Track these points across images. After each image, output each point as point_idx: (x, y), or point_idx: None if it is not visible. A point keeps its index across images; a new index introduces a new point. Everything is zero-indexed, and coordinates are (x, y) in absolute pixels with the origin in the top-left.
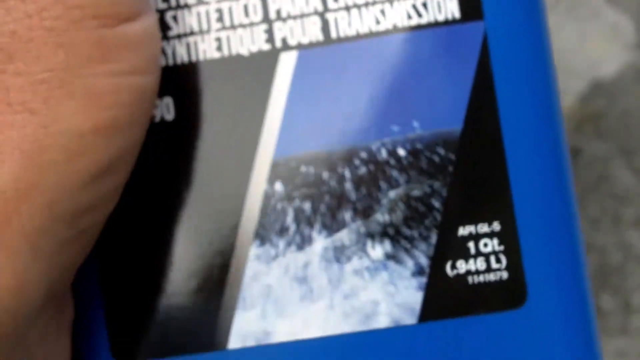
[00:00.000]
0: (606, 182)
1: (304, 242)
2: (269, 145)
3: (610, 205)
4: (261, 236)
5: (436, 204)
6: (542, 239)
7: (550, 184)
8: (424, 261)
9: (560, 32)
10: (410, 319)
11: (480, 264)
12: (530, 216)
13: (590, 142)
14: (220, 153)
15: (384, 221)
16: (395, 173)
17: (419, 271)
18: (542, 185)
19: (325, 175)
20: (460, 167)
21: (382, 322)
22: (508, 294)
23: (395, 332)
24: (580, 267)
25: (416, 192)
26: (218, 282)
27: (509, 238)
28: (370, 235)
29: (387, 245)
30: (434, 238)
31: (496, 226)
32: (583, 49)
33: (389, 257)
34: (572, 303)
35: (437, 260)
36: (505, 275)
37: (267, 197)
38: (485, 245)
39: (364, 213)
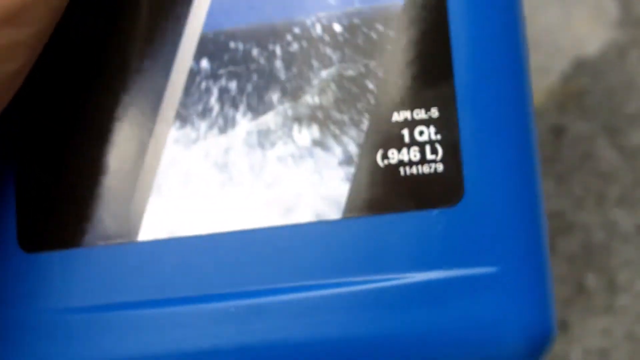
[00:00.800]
0: (590, 161)
1: (227, 125)
2: (199, 17)
3: (595, 184)
4: (182, 117)
5: (370, 85)
6: (485, 132)
7: (500, 72)
8: (353, 149)
9: (544, 11)
10: (334, 213)
11: (414, 154)
12: (473, 105)
13: (574, 121)
14: (146, 25)
15: (313, 103)
16: (329, 51)
17: (347, 160)
18: (490, 72)
19: (255, 52)
20: (399, 46)
21: (304, 215)
22: (443, 190)
23: (317, 227)
24: (529, 166)
25: (350, 72)
26: (133, 166)
27: (447, 127)
28: (298, 119)
29: (315, 130)
30: (365, 123)
31: (434, 113)
32: (567, 27)
33: (315, 143)
34: (515, 204)
35: (368, 148)
36: (440, 167)
37: (192, 74)
38: (421, 133)
39: (293, 94)
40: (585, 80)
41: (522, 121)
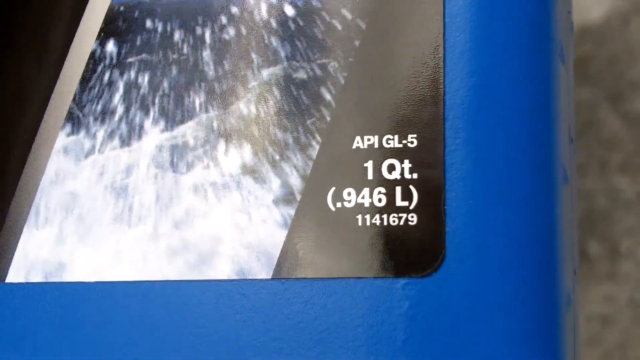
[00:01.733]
0: (593, 128)
1: (132, 134)
2: None
3: (598, 151)
4: (75, 118)
5: (327, 95)
6: (483, 173)
7: (515, 91)
8: (295, 183)
9: None
10: (262, 271)
11: (380, 197)
12: (470, 134)
13: (577, 88)
14: None
15: (247, 114)
16: (275, 42)
17: (286, 197)
18: (500, 89)
19: (177, 35)
20: (372, 43)
21: (222, 270)
22: (415, 251)
23: (238, 288)
24: (546, 227)
25: (301, 74)
26: (4, 183)
27: (428, 163)
28: (226, 135)
29: (247, 152)
30: (315, 148)
31: (412, 141)
32: None
33: (246, 170)
34: (519, 280)
35: (316, 184)
36: (414, 219)
37: (93, 60)
38: (391, 168)
39: (223, 99)
40: (588, 47)
41: (541, 164)
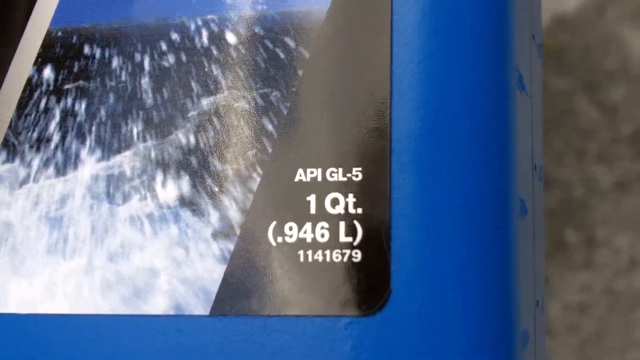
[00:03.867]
0: (570, 117)
1: (67, 163)
2: (47, 8)
3: (574, 140)
4: (10, 146)
5: (269, 125)
6: (431, 209)
7: (465, 119)
8: (235, 216)
9: None
10: (200, 307)
11: (322, 232)
12: (418, 167)
13: (553, 77)
14: None
15: (186, 144)
16: (215, 70)
17: (225, 231)
18: (450, 119)
19: (116, 62)
20: (317, 73)
21: (158, 305)
22: (359, 289)
23: (173, 325)
24: (498, 262)
25: (242, 104)
26: None
27: (373, 197)
28: (163, 165)
29: (185, 184)
30: (256, 181)
31: (356, 175)
32: None
33: (184, 202)
34: (471, 318)
35: (256, 217)
36: (358, 256)
37: (31, 85)
38: (335, 203)
39: (160, 129)
40: (564, 37)
41: (495, 199)
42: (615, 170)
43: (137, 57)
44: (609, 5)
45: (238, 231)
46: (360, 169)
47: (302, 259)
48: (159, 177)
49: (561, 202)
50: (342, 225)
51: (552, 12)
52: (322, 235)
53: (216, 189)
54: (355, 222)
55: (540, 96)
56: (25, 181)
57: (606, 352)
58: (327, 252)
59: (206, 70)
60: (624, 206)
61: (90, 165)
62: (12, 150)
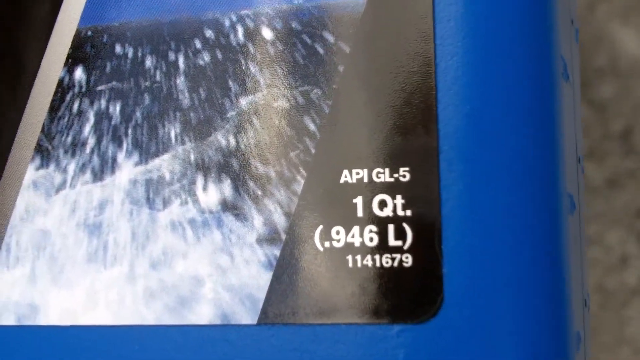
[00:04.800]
0: None
1: (104, 168)
2: (74, 5)
3: None
4: (44, 151)
5: (311, 125)
6: (482, 210)
7: (513, 114)
8: (280, 220)
9: None
10: (246, 316)
11: (371, 236)
12: (467, 167)
13: None
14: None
15: (226, 145)
16: (253, 68)
17: (270, 236)
18: (496, 115)
19: (150, 61)
20: (357, 68)
21: (203, 314)
22: (410, 295)
23: (220, 334)
24: (551, 264)
25: (282, 103)
26: None
27: (423, 198)
28: (203, 168)
29: (227, 187)
30: (300, 183)
31: (404, 175)
32: None
33: (227, 206)
34: (522, 324)
35: (302, 222)
36: (409, 260)
37: (62, 87)
38: (383, 205)
39: (199, 130)
40: None
41: (545, 196)
42: (606, 167)
43: (171, 55)
44: (599, 3)
45: (283, 236)
46: (407, 168)
47: (350, 264)
48: (200, 180)
49: None
50: (390, 228)
51: None
52: (371, 240)
53: (259, 193)
54: (405, 224)
55: (579, 84)
56: (61, 187)
57: (598, 349)
58: (377, 256)
59: (243, 68)
60: (615, 203)
61: (128, 169)
62: (46, 155)
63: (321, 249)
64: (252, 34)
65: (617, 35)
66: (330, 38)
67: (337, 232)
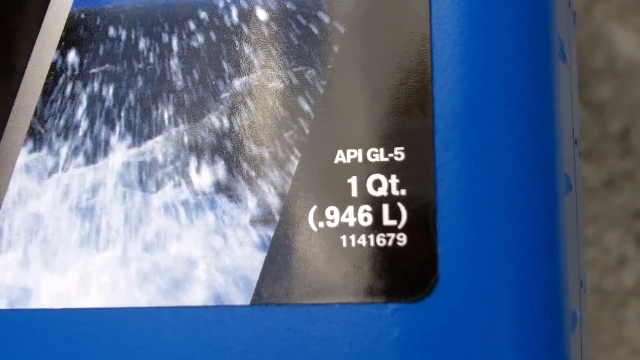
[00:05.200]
0: None
1: (97, 151)
2: None
3: None
4: (37, 134)
5: (305, 105)
6: (477, 188)
7: (510, 96)
8: (273, 201)
9: None
10: (240, 297)
11: (365, 216)
12: (462, 146)
13: None
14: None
15: (220, 127)
16: (247, 49)
17: (264, 217)
18: (493, 96)
19: (143, 43)
20: (353, 48)
21: (197, 296)
22: (405, 274)
23: (214, 315)
24: (547, 241)
25: (276, 84)
26: None
27: (417, 178)
28: (197, 150)
29: (220, 169)
30: (294, 164)
31: (399, 155)
32: None
33: (220, 188)
34: (518, 303)
35: (296, 202)
36: (403, 239)
37: (55, 71)
38: (377, 185)
39: (192, 112)
40: None
41: (541, 175)
42: (603, 168)
43: (165, 37)
44: (596, 4)
45: (277, 217)
46: (402, 148)
47: (344, 244)
48: (193, 162)
49: None
50: (385, 207)
51: None
52: (365, 219)
53: (253, 174)
54: (399, 204)
55: (576, 66)
56: (54, 170)
57: (596, 349)
58: (371, 236)
59: (237, 49)
60: (613, 204)
61: (121, 152)
62: (39, 138)
63: (315, 229)
64: (246, 15)
65: (614, 36)
66: (326, 18)
67: (332, 212)
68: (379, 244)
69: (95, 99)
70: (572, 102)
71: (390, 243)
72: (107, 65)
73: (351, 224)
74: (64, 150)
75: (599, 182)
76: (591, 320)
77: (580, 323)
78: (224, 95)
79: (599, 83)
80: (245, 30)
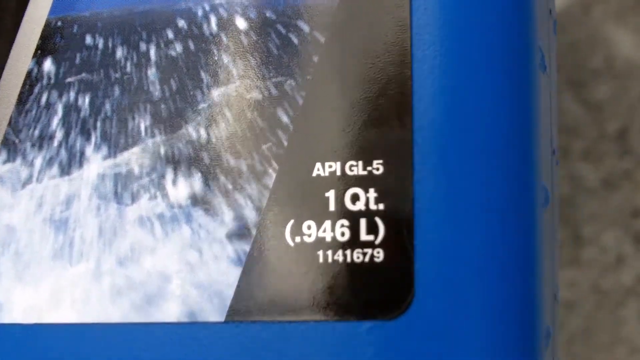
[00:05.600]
0: None
1: (72, 162)
2: None
3: (560, 138)
4: (10, 144)
5: (284, 117)
6: (456, 203)
7: (490, 108)
8: (250, 215)
9: None
10: (215, 313)
11: (342, 231)
12: (440, 160)
13: None
14: None
15: (198, 139)
16: (226, 58)
17: (239, 232)
18: (473, 107)
19: (120, 52)
20: (332, 59)
21: (170, 312)
22: (381, 291)
23: (187, 332)
24: (525, 258)
25: (255, 94)
26: None
27: (396, 192)
28: (173, 162)
29: (197, 182)
30: (272, 177)
31: (377, 168)
32: None
33: (196, 201)
34: (495, 319)
35: (273, 217)
36: (380, 255)
37: (30, 80)
38: (355, 198)
39: (169, 123)
40: None
41: (520, 190)
42: (601, 167)
43: (143, 46)
44: (595, 4)
45: (254, 231)
46: (381, 161)
47: (321, 260)
48: (169, 174)
49: None
50: (363, 222)
51: None
52: (342, 234)
53: (230, 186)
54: (377, 218)
55: (556, 76)
56: (27, 182)
57: (593, 349)
58: (348, 252)
59: (216, 59)
60: (611, 203)
61: (96, 163)
62: (12, 149)
63: (292, 244)
64: (225, 24)
65: (613, 36)
66: (305, 28)
67: (309, 227)
68: (355, 259)
69: (70, 109)
70: (551, 112)
71: (367, 259)
72: (83, 74)
73: (328, 239)
74: (39, 161)
75: (597, 182)
76: (590, 319)
77: (554, 338)
78: (202, 105)
79: (598, 83)
80: (224, 39)
